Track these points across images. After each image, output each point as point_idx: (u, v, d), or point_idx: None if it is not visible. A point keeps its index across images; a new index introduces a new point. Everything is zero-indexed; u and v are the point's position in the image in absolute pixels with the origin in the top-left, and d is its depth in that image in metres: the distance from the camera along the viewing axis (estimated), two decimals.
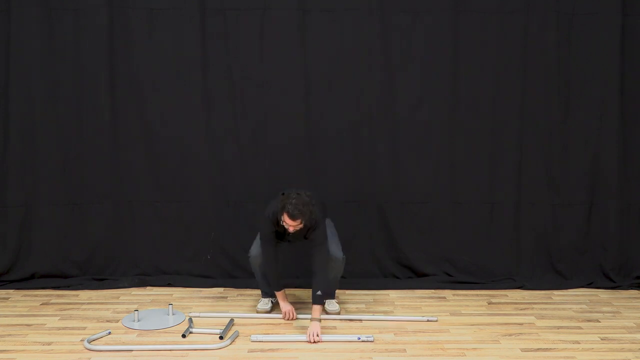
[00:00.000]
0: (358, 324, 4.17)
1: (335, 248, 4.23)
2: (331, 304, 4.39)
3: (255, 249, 4.26)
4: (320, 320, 3.99)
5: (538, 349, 3.79)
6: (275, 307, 4.44)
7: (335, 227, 4.43)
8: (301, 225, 3.92)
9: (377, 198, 4.95)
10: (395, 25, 4.81)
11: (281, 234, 4.13)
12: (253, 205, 4.83)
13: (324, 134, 4.87)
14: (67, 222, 4.89)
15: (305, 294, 4.71)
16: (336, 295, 4.52)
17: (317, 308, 3.99)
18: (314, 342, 3.84)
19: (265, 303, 4.41)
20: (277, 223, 4.02)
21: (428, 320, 4.20)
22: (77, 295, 4.69)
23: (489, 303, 4.60)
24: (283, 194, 3.97)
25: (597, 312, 4.43)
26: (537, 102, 4.88)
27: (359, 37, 4.81)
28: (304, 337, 3.89)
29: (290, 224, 3.89)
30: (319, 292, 3.99)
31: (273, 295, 4.43)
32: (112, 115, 4.83)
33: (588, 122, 4.91)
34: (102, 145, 4.85)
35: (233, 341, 3.85)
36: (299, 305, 4.48)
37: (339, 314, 4.32)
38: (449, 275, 4.99)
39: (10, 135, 4.79)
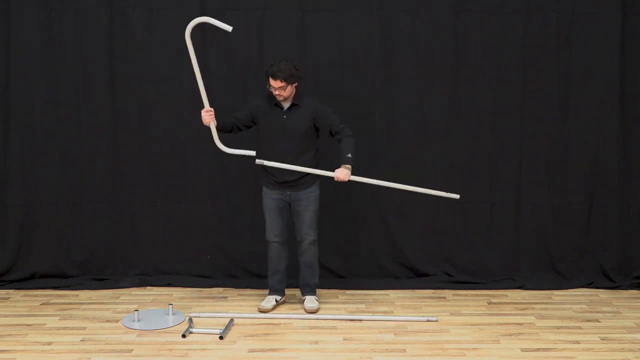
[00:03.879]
0: (358, 324, 4.18)
1: (310, 228, 4.35)
2: (311, 301, 4.40)
3: (270, 230, 4.38)
4: (344, 175, 4.18)
5: (538, 349, 3.80)
6: (277, 306, 4.45)
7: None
8: (284, 87, 4.08)
9: (378, 198, 4.94)
10: (395, 25, 4.81)
11: (277, 112, 4.24)
12: (253, 205, 4.82)
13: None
14: (67, 222, 4.89)
15: None
16: (335, 295, 4.53)
17: (345, 167, 4.19)
18: (341, 180, 4.17)
19: (269, 301, 4.42)
20: (270, 98, 4.25)
21: (428, 320, 4.20)
22: (77, 295, 4.69)
23: (489, 303, 4.60)
24: None
25: (597, 312, 4.43)
26: (537, 102, 4.88)
27: (359, 37, 4.81)
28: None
29: (275, 85, 4.08)
30: (349, 155, 4.19)
31: (278, 292, 4.48)
32: (112, 115, 4.83)
33: (588, 122, 4.91)
34: (102, 145, 4.85)
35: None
36: (300, 306, 4.48)
37: (316, 312, 4.33)
38: (449, 275, 4.99)
39: (10, 135, 4.79)
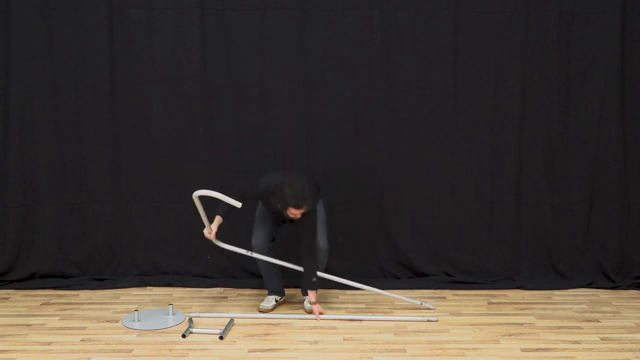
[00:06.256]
0: (358, 324, 4.18)
1: (321, 236, 4.31)
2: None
3: (255, 237, 4.36)
4: (317, 302, 4.23)
5: (538, 349, 3.80)
6: (277, 306, 4.45)
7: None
8: (306, 210, 4.03)
9: (377, 198, 4.94)
10: (396, 25, 4.81)
11: (275, 215, 4.25)
12: (253, 205, 4.81)
13: (324, 134, 4.87)
14: (67, 222, 4.89)
15: None
16: (335, 295, 4.52)
17: (312, 293, 4.20)
18: (320, 318, 4.14)
19: (269, 301, 4.42)
20: (265, 202, 4.23)
21: (428, 321, 4.20)
22: (77, 295, 4.69)
23: (489, 303, 4.60)
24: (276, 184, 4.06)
25: (597, 312, 4.43)
26: (537, 101, 4.89)
27: (359, 37, 4.81)
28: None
29: (297, 213, 4.01)
30: (314, 279, 4.19)
31: (278, 293, 4.48)
32: (112, 115, 4.83)
33: (588, 122, 4.91)
34: (102, 145, 4.85)
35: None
36: (300, 306, 4.47)
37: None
38: (449, 275, 4.99)
39: (10, 136, 4.79)
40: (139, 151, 4.88)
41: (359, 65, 4.83)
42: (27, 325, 4.11)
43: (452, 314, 4.36)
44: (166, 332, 4.01)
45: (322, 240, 4.32)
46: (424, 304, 4.32)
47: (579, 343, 3.89)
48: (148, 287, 4.88)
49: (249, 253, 4.30)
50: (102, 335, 3.95)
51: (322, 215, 4.37)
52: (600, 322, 4.25)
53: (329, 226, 4.41)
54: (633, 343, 3.90)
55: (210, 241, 4.93)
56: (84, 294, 4.71)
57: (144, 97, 4.84)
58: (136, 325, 4.09)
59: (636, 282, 4.95)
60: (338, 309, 4.44)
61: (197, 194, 4.06)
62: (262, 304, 4.40)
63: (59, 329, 4.06)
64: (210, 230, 4.20)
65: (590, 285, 4.94)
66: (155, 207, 4.94)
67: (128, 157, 4.89)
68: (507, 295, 4.76)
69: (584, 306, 4.54)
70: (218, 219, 4.22)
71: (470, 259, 5.00)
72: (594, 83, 4.87)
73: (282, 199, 3.97)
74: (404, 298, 4.33)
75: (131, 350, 3.73)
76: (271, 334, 4.01)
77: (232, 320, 4.16)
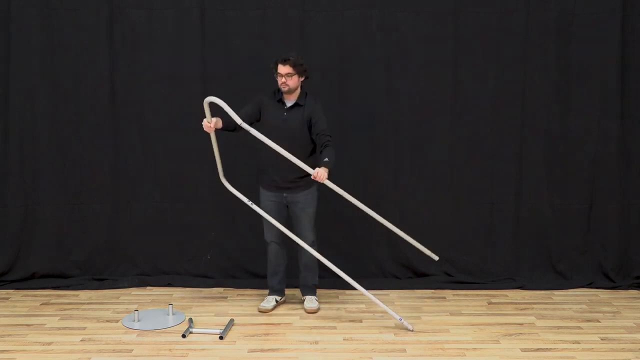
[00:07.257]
0: (358, 323, 4.18)
1: (308, 229, 4.34)
2: (311, 301, 4.42)
3: (267, 232, 4.39)
4: (327, 169, 4.05)
5: (538, 349, 3.80)
6: (277, 306, 4.45)
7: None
8: (291, 74, 4.09)
9: (377, 198, 4.94)
10: (395, 25, 4.81)
11: (278, 110, 4.23)
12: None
13: None
14: (67, 222, 4.89)
15: None
16: (335, 295, 4.51)
17: (325, 168, 4.06)
18: (320, 180, 4.00)
19: (269, 301, 4.43)
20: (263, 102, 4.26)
21: (401, 321, 4.11)
22: (77, 295, 4.69)
23: (489, 303, 4.60)
24: None
25: (597, 312, 4.43)
26: (537, 102, 4.89)
27: (359, 37, 4.81)
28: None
29: (284, 71, 4.09)
30: (326, 159, 4.07)
31: (278, 292, 4.49)
32: (111, 115, 4.83)
33: (588, 122, 4.91)
34: (102, 145, 4.85)
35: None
36: (300, 306, 4.48)
37: (316, 312, 4.35)
38: (449, 275, 4.99)
39: (10, 136, 4.79)
40: (139, 151, 4.88)
41: (359, 65, 4.83)
42: (27, 325, 4.11)
43: (452, 314, 4.36)
44: (166, 332, 4.01)
45: (309, 235, 4.35)
46: (403, 321, 4.14)
47: (579, 343, 3.89)
48: (148, 287, 4.88)
49: (249, 203, 4.32)
50: (102, 335, 3.96)
51: (313, 207, 4.35)
52: (600, 322, 4.25)
53: (321, 219, 4.44)
54: (633, 343, 3.90)
55: (210, 241, 4.96)
56: (84, 294, 4.71)
57: (144, 97, 4.84)
58: (136, 325, 4.09)
59: (636, 282, 4.95)
60: (338, 309, 4.45)
61: (208, 100, 3.96)
62: (262, 304, 4.41)
63: (59, 329, 4.06)
64: (209, 121, 4.05)
65: (590, 285, 4.94)
66: (155, 207, 4.94)
67: (128, 157, 4.89)
68: (507, 295, 4.76)
69: (584, 306, 4.54)
70: (219, 120, 4.12)
71: (470, 259, 5.01)
72: (594, 83, 4.87)
73: (275, 60, 4.14)
74: (388, 310, 4.22)
75: (131, 350, 3.73)
76: (271, 334, 4.01)
77: (232, 320, 4.16)
